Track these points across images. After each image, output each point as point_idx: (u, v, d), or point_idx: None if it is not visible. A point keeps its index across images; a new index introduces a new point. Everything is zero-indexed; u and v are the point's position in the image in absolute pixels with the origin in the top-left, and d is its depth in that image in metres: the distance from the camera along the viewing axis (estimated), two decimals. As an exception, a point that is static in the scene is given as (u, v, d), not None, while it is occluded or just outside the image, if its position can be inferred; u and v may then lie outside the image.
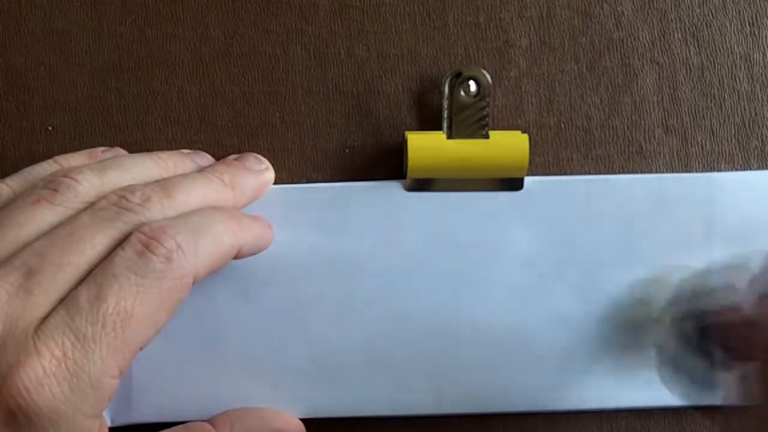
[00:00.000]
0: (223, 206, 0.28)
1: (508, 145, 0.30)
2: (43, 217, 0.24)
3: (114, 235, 0.24)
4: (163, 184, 0.26)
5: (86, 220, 0.24)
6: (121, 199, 0.25)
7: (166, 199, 0.26)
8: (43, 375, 0.22)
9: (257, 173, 0.30)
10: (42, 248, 0.23)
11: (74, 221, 0.24)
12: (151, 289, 0.23)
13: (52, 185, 0.25)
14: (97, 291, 0.23)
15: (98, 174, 0.26)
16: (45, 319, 0.22)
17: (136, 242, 0.24)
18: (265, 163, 0.31)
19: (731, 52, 0.32)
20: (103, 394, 0.23)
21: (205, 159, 0.30)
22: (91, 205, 0.25)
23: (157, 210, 0.25)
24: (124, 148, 0.31)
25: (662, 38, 0.32)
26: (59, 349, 0.22)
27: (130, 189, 0.26)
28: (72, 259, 0.23)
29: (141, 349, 0.24)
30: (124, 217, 0.24)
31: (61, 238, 0.24)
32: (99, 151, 0.29)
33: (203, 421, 0.29)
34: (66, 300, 0.23)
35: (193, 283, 0.25)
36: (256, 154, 0.31)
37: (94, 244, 0.24)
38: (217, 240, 0.26)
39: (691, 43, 0.32)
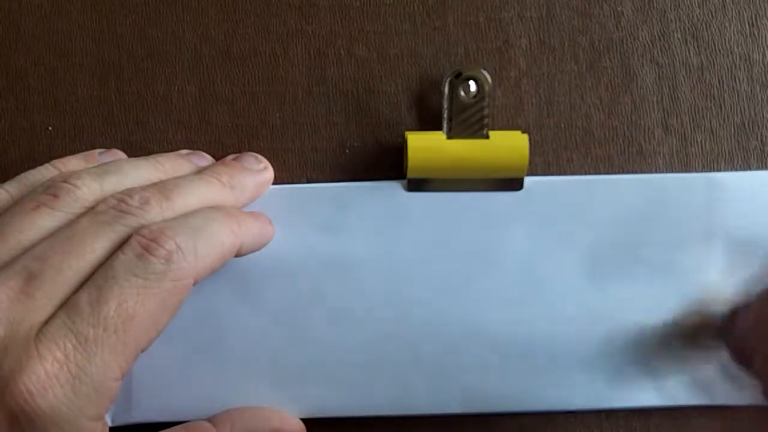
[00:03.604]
0: (223, 205, 0.28)
1: (508, 145, 0.30)
2: (43, 222, 0.24)
3: (114, 238, 0.24)
4: (162, 187, 0.26)
5: (86, 224, 0.24)
6: (120, 202, 0.25)
7: (165, 202, 0.26)
8: (46, 378, 0.22)
9: (256, 173, 0.30)
10: (42, 253, 0.23)
11: (74, 225, 0.24)
12: (152, 290, 0.23)
13: (51, 190, 0.25)
14: (98, 294, 0.23)
15: (97, 179, 0.26)
16: (46, 322, 0.22)
17: (135, 245, 0.24)
18: (264, 162, 0.31)
19: (731, 52, 0.32)
20: (106, 396, 0.23)
21: (204, 159, 0.30)
22: (90, 210, 0.25)
23: (156, 212, 0.25)
24: (124, 148, 0.31)
25: (662, 38, 0.32)
26: (61, 352, 0.22)
27: (129, 192, 0.26)
28: (72, 263, 0.23)
29: (142, 350, 0.24)
30: (123, 221, 0.24)
31: (61, 242, 0.24)
32: (96, 154, 0.29)
33: (203, 420, 0.29)
34: (67, 303, 0.23)
35: (194, 283, 0.25)
36: (254, 154, 0.31)
37: (94, 247, 0.24)
38: (217, 240, 0.26)
39: (690, 43, 0.32)
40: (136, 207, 0.25)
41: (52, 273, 0.23)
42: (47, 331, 0.22)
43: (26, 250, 0.24)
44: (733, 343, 0.28)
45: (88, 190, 0.26)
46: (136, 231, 0.24)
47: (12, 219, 0.25)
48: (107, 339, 0.22)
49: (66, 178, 0.26)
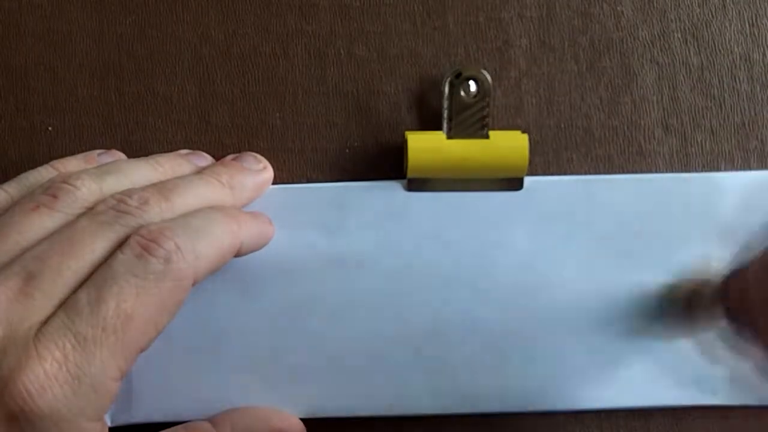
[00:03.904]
0: (223, 205, 0.28)
1: (508, 145, 0.30)
2: (42, 223, 0.24)
3: (113, 238, 0.24)
4: (161, 187, 0.26)
5: (85, 225, 0.24)
6: (119, 203, 0.25)
7: (164, 202, 0.26)
8: (45, 378, 0.22)
9: (256, 173, 0.30)
10: (42, 253, 0.23)
11: (73, 226, 0.24)
12: (151, 290, 0.23)
13: (50, 191, 0.25)
14: (97, 294, 0.23)
15: (97, 179, 0.26)
16: (45, 322, 0.22)
17: (135, 245, 0.24)
18: (264, 162, 0.31)
19: (731, 52, 0.32)
20: (105, 396, 0.23)
21: (204, 159, 0.30)
22: (89, 210, 0.25)
23: (155, 213, 0.25)
24: (124, 148, 0.31)
25: (662, 38, 0.32)
26: (60, 352, 0.22)
27: (128, 193, 0.26)
28: (71, 263, 0.23)
29: (142, 350, 0.24)
30: (122, 221, 0.24)
31: (61, 242, 0.24)
32: (95, 154, 0.30)
33: (203, 420, 0.29)
34: (66, 303, 0.23)
35: (194, 284, 0.25)
36: (254, 154, 0.31)
37: (94, 248, 0.24)
38: (216, 240, 0.26)
39: (690, 43, 0.32)
40: (135, 207, 0.25)
41: (52, 273, 0.23)
42: (46, 331, 0.22)
43: (25, 251, 0.24)
44: (732, 305, 0.28)
45: (88, 191, 0.26)
46: (135, 231, 0.24)
47: (11, 219, 0.25)
48: (106, 339, 0.22)
49: (65, 179, 0.26)
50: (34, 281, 0.23)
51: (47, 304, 0.23)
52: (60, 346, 0.22)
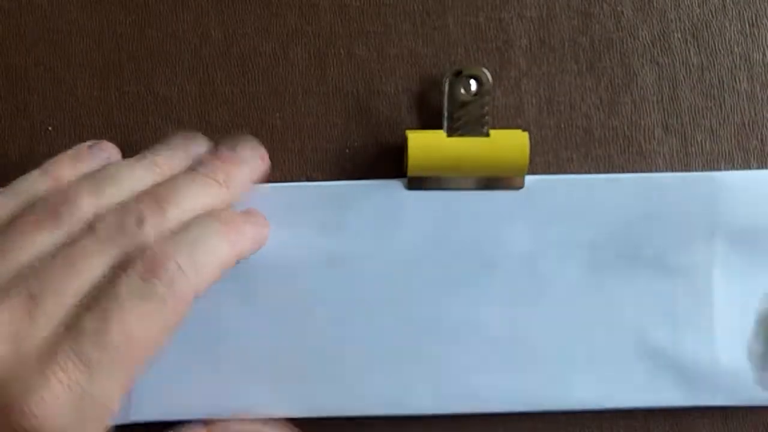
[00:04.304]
0: (219, 211, 0.27)
1: (509, 143, 0.30)
2: (42, 240, 0.25)
3: (113, 255, 0.24)
4: (157, 197, 0.26)
5: (84, 244, 0.24)
6: (117, 219, 0.25)
7: (162, 215, 0.25)
8: (51, 399, 0.22)
9: (252, 165, 0.29)
10: (42, 273, 0.24)
11: (73, 245, 0.24)
12: (155, 312, 0.24)
13: (50, 208, 0.25)
14: (102, 316, 0.23)
15: (95, 192, 0.26)
16: (50, 343, 0.23)
17: (138, 267, 0.24)
18: (261, 150, 0.29)
19: (731, 52, 0.32)
20: (108, 414, 0.23)
21: (201, 146, 0.29)
22: (89, 228, 0.25)
23: (154, 225, 0.25)
24: (124, 148, 0.31)
25: (662, 38, 0.32)
26: (65, 374, 0.22)
27: (126, 209, 0.25)
28: (72, 284, 0.24)
29: (143, 366, 0.24)
30: (120, 240, 0.24)
31: (61, 262, 0.24)
32: (85, 147, 0.29)
33: (200, 427, 0.29)
34: (70, 325, 0.23)
35: (195, 297, 0.25)
36: (252, 142, 0.29)
37: (93, 267, 0.24)
38: (216, 253, 0.26)
39: (691, 43, 0.32)
40: (133, 224, 0.25)
41: (54, 294, 0.23)
42: (52, 353, 0.22)
43: (26, 270, 0.24)
44: None
45: (87, 205, 0.25)
46: (138, 249, 0.24)
47: (11, 237, 0.25)
48: (110, 361, 0.23)
49: (65, 196, 0.26)
50: (37, 302, 0.23)
51: (50, 325, 0.23)
52: (65, 367, 0.22)
